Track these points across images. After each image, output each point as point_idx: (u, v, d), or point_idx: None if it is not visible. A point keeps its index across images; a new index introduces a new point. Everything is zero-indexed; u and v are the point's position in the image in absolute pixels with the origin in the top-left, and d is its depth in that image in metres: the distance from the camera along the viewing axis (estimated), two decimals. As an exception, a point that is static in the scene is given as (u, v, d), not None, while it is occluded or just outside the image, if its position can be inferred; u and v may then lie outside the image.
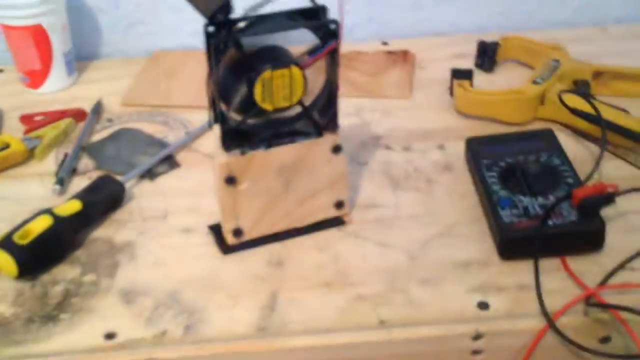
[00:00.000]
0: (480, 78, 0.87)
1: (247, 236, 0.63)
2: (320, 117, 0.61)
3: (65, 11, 0.86)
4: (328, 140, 0.61)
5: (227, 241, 0.62)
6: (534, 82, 0.78)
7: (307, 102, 0.60)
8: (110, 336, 0.55)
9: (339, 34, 0.57)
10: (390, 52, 0.94)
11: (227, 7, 0.54)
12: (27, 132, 0.78)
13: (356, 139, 0.77)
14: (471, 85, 0.81)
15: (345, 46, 0.95)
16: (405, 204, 0.68)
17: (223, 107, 0.57)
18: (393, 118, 0.81)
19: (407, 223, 0.66)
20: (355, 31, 0.99)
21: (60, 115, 0.80)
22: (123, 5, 0.93)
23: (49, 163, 0.75)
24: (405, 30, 1.00)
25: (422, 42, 0.97)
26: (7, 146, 0.72)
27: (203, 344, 0.55)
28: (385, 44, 0.97)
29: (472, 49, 0.91)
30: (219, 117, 0.57)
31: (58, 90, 0.87)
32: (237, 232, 0.62)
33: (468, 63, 0.90)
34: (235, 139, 0.59)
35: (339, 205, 0.65)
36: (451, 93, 0.83)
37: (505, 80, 0.87)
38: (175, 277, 0.60)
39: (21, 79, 0.87)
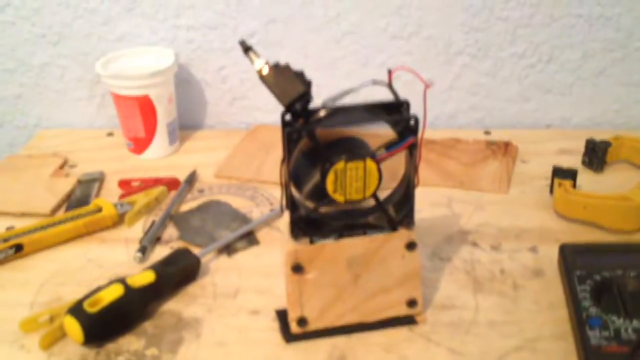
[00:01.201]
0: (586, 178, 0.82)
1: (312, 326, 0.60)
2: (395, 212, 0.59)
3: (172, 84, 0.90)
4: (402, 235, 0.59)
5: (291, 329, 0.61)
6: (643, 188, 0.72)
7: (383, 193, 0.58)
8: (161, 416, 0.54)
9: (419, 130, 0.55)
10: (490, 143, 0.90)
11: (306, 96, 0.53)
12: (122, 197, 0.81)
13: (442, 232, 0.74)
14: (574, 185, 0.76)
15: (445, 133, 0.94)
16: (486, 309, 0.64)
17: (295, 193, 0.56)
18: (485, 213, 0.77)
19: (485, 331, 0.61)
20: (457, 118, 0.97)
21: (155, 182, 0.83)
22: (229, 80, 0.96)
23: (138, 229, 0.77)
24: (511, 121, 0.96)
25: (528, 134, 0.93)
26: (99, 210, 0.76)
27: None
28: (487, 133, 0.94)
29: (581, 146, 0.85)
30: (290, 204, 0.56)
31: (159, 157, 0.91)
32: (302, 321, 0.60)
33: (575, 160, 0.85)
34: (305, 227, 0.57)
35: (411, 303, 0.61)
36: (551, 191, 0.78)
37: (613, 182, 0.81)
38: (234, 359, 0.59)
39: (126, 144, 0.91)
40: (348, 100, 0.55)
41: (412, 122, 0.55)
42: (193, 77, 0.96)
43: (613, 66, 0.91)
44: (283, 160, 0.55)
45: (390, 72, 0.55)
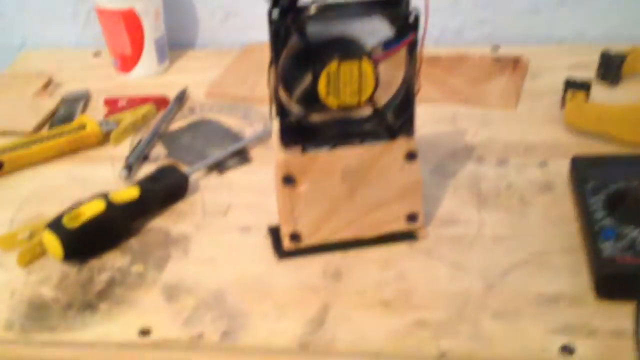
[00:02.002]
0: (600, 92, 0.77)
1: (306, 242, 0.57)
2: (394, 118, 0.54)
3: (160, -3, 0.84)
4: (402, 145, 0.55)
5: (283, 246, 0.57)
6: (662, 98, 0.67)
7: (382, 100, 0.53)
8: (145, 332, 0.51)
9: (420, 26, 0.50)
10: (499, 59, 0.85)
11: (294, -11, 0.48)
12: (107, 115, 0.77)
13: (445, 147, 0.70)
14: (587, 98, 0.71)
15: (450, 49, 0.89)
16: (491, 224, 0.60)
17: (285, 99, 0.52)
18: (491, 129, 0.73)
19: (489, 245, 0.58)
20: (464, 33, 0.91)
21: (143, 101, 0.78)
22: (221, -6, 0.91)
23: (124, 148, 0.73)
24: (521, 36, 0.91)
25: (539, 50, 0.88)
26: (83, 127, 0.72)
27: (239, 353, 0.50)
28: (496, 49, 0.88)
29: (596, 61, 0.80)
30: (279, 110, 0.52)
31: (147, 76, 0.86)
32: (295, 237, 0.57)
33: (588, 75, 0.80)
34: (296, 135, 0.53)
35: (412, 217, 0.58)
36: (563, 106, 0.74)
37: (629, 96, 0.76)
38: (224, 276, 0.56)
39: (113, 62, 0.86)
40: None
41: (411, 18, 0.50)
42: (182, -9, 0.91)
43: (631, -26, 0.85)
44: (271, 63, 0.50)
45: (387, -38, 0.50)
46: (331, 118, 0.54)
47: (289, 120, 0.52)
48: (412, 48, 0.51)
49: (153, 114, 0.77)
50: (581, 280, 0.53)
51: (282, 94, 0.52)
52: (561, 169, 0.65)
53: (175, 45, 0.92)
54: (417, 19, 0.50)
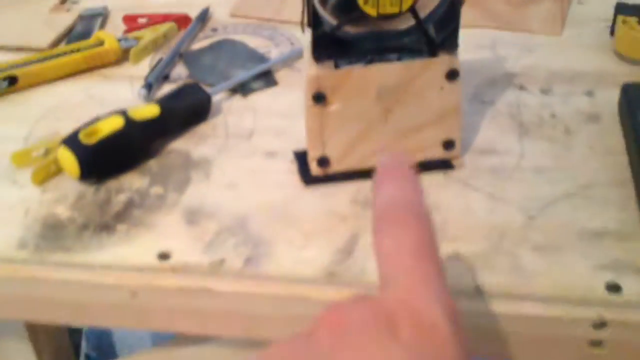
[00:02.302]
0: (654, 18, 0.71)
1: (335, 167, 0.54)
2: (436, 32, 0.50)
3: None
4: (443, 62, 0.50)
5: (310, 171, 0.54)
6: None
7: (423, 12, 0.49)
8: (164, 256, 0.49)
9: None
10: (543, -19, 0.79)
11: None
12: (126, 32, 0.73)
13: (484, 74, 0.65)
14: None
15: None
16: (532, 155, 0.56)
17: (318, 7, 0.48)
18: (534, 55, 0.68)
19: (531, 177, 0.54)
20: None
21: (164, 18, 0.74)
22: None
23: (144, 67, 0.69)
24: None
25: (586, -27, 0.82)
26: (101, 43, 0.68)
27: (262, 280, 0.47)
28: (539, -28, 0.83)
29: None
30: (312, 19, 0.48)
31: (169, -6, 0.82)
32: (323, 161, 0.53)
33: (641, 1, 0.74)
34: (330, 48, 0.49)
35: (448, 144, 0.54)
36: (612, 32, 0.68)
37: (686, 23, 0.71)
38: (247, 202, 0.53)
39: (133, -21, 0.82)
40: None
41: None
42: None
43: None
44: (303, -37, 0.46)
45: None
46: (367, 30, 0.49)
47: (322, 31, 0.48)
48: (460, -46, 0.47)
49: (174, 32, 0.73)
50: (629, 214, 0.50)
51: (316, 1, 0.47)
52: (610, 98, 0.60)
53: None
54: None
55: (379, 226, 0.31)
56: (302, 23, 0.49)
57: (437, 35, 0.50)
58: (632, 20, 0.65)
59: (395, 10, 0.47)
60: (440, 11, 0.49)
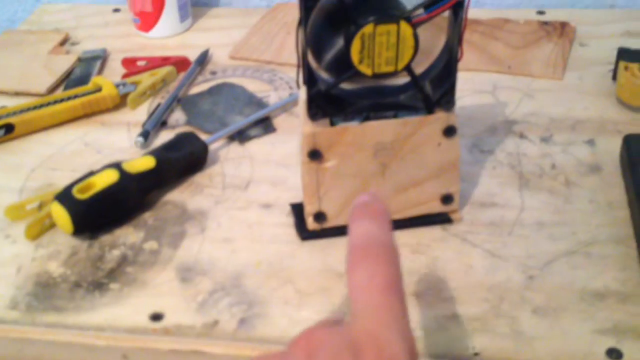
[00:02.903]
0: (655, 62, 0.71)
1: (331, 222, 0.53)
2: (432, 89, 0.49)
3: (182, -50, 0.79)
4: (440, 119, 0.50)
5: (307, 225, 0.53)
6: None
7: (419, 69, 0.48)
8: (156, 317, 0.48)
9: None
10: (544, 23, 0.79)
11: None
12: (125, 76, 0.72)
13: (484, 121, 0.65)
14: (642, 70, 0.65)
15: (491, 12, 0.82)
16: (533, 208, 0.55)
17: (314, 65, 0.47)
18: (535, 101, 0.67)
19: (531, 232, 0.53)
20: (506, -4, 0.85)
21: (163, 62, 0.74)
22: (248, -52, 0.85)
23: (142, 112, 0.69)
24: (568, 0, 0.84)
25: (588, 14, 0.81)
26: (99, 89, 0.67)
27: (256, 343, 0.46)
28: (541, 13, 0.82)
29: (652, 27, 0.74)
30: (307, 77, 0.47)
31: (168, 35, 0.81)
32: (319, 217, 0.52)
33: (642, 43, 0.74)
34: (325, 106, 0.48)
35: (447, 199, 0.53)
36: (614, 77, 0.68)
37: (688, 67, 0.70)
38: (242, 258, 0.52)
39: (133, 20, 0.82)
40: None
41: (458, -24, 0.44)
42: (207, -56, 0.85)
43: None
44: (299, 24, 0.45)
45: None
46: (363, 87, 0.49)
47: (318, 89, 0.47)
48: (458, 10, 0.46)
49: (173, 76, 0.73)
50: (631, 274, 0.49)
51: (311, 60, 0.47)
52: (611, 148, 0.60)
53: (198, 2, 0.87)
54: (463, -21, 0.45)
55: (352, 259, 0.34)
56: (297, 81, 0.48)
57: (433, 93, 0.49)
58: (635, 66, 0.64)
59: (391, 69, 0.46)
60: (436, 69, 0.49)
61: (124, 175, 0.54)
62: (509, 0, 0.85)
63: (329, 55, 0.47)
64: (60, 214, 0.52)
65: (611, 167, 0.58)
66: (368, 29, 0.44)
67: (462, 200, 0.55)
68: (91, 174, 0.54)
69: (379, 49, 0.45)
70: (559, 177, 0.58)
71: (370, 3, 0.45)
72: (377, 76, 0.47)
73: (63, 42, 0.80)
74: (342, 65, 0.46)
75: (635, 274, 0.49)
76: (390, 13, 0.44)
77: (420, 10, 0.45)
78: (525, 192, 0.57)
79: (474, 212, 0.55)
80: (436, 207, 0.53)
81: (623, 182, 0.56)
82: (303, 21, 0.45)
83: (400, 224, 0.53)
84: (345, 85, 0.48)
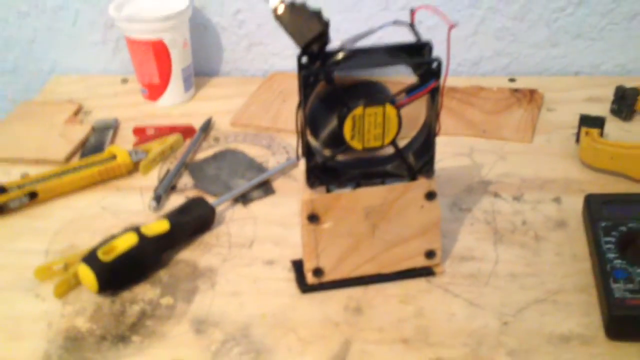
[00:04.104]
0: (614, 127, 0.79)
1: (328, 277, 0.59)
2: (415, 160, 0.57)
3: (187, 28, 0.87)
4: (422, 185, 0.57)
5: (306, 280, 0.60)
6: (675, 138, 0.69)
7: (403, 142, 0.56)
8: (175, 366, 0.54)
9: (442, 74, 0.52)
10: (515, 90, 0.87)
11: (323, 38, 0.51)
12: (136, 144, 0.79)
13: (462, 182, 0.72)
14: (601, 134, 0.73)
15: (467, 80, 0.91)
16: (506, 261, 0.62)
17: (311, 140, 0.54)
18: (508, 163, 0.75)
19: (505, 283, 0.60)
20: (481, 64, 0.93)
21: (170, 130, 0.81)
22: (245, 25, 0.93)
23: (152, 177, 0.76)
24: (537, 68, 0.93)
25: (555, 82, 0.90)
26: (114, 157, 0.74)
27: (264, 388, 0.52)
28: (512, 80, 0.91)
29: (610, 94, 0.82)
30: (306, 151, 0.54)
31: (175, 104, 0.89)
32: (318, 272, 0.59)
33: (603, 108, 0.82)
34: (322, 175, 0.56)
35: (430, 254, 0.60)
36: (577, 140, 0.76)
37: (642, 131, 0.78)
38: (249, 310, 0.58)
39: (141, 90, 0.89)
40: (368, 43, 0.52)
41: (434, 65, 0.52)
42: (209, 22, 0.93)
43: (647, 9, 0.87)
44: (299, 105, 0.53)
45: (412, 12, 0.52)
46: (354, 158, 0.56)
47: (315, 161, 0.55)
48: (434, 94, 0.54)
49: (180, 143, 0.80)
50: (593, 319, 0.55)
51: (309, 136, 0.54)
52: (575, 205, 0.67)
53: (200, 72, 0.95)
54: (439, 66, 0.52)
55: None
56: (297, 154, 0.55)
57: (416, 162, 0.56)
58: (594, 132, 0.72)
59: (379, 143, 0.54)
60: (418, 142, 0.56)
61: (143, 238, 0.61)
62: (483, 68, 0.93)
63: (325, 132, 0.54)
64: (87, 275, 0.58)
65: (575, 223, 0.66)
66: (358, 110, 0.52)
67: (443, 254, 0.62)
68: (113, 237, 0.61)
69: (368, 127, 0.53)
70: (529, 233, 0.65)
71: (360, 88, 0.53)
72: (366, 150, 0.54)
73: (77, 112, 0.88)
74: (336, 141, 0.54)
75: (596, 319, 0.55)
76: (377, 97, 0.52)
77: (403, 95, 0.53)
78: (499, 246, 0.64)
79: (454, 265, 0.62)
80: (421, 261, 0.60)
81: (585, 236, 0.63)
82: (302, 104, 0.52)
83: (389, 277, 0.60)
84: (339, 157, 0.55)
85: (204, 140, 0.82)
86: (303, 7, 0.51)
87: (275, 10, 0.51)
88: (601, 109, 0.82)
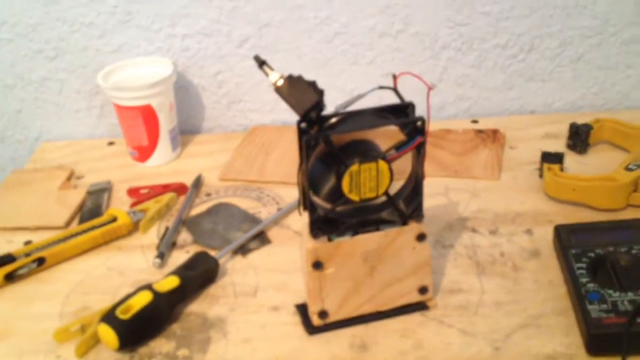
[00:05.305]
0: (572, 160, 0.87)
1: (332, 318, 0.65)
2: (405, 206, 0.63)
3: (172, 92, 0.93)
4: (413, 228, 0.63)
5: (312, 322, 0.65)
6: (627, 169, 0.77)
7: (393, 189, 0.62)
8: (199, 415, 0.58)
9: (426, 130, 0.59)
10: (479, 131, 0.95)
11: (319, 105, 0.57)
12: (133, 205, 0.84)
13: (442, 220, 0.79)
14: (561, 169, 0.81)
15: (435, 124, 0.98)
16: (491, 291, 0.68)
17: (313, 196, 0.60)
18: (480, 199, 0.82)
19: (492, 311, 0.66)
20: (445, 109, 1.01)
21: (164, 189, 0.86)
22: (225, 84, 0.99)
23: (152, 235, 0.80)
24: (497, 109, 1.01)
25: (513, 121, 0.98)
26: (115, 219, 0.78)
27: None
28: (475, 122, 0.98)
29: (564, 129, 0.90)
30: (309, 206, 0.60)
31: (163, 163, 0.94)
32: (323, 314, 0.64)
33: (560, 143, 0.90)
34: (323, 226, 0.61)
35: (423, 290, 0.66)
36: (541, 175, 0.83)
37: (597, 163, 0.86)
38: (262, 355, 0.63)
39: (130, 152, 0.94)
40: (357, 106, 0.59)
41: (419, 124, 0.59)
42: (190, 84, 0.99)
43: (590, 52, 0.96)
44: (300, 166, 0.59)
45: (395, 77, 0.59)
46: (352, 208, 0.62)
47: (317, 214, 0.60)
48: (420, 148, 0.60)
49: (174, 200, 0.84)
50: (573, 339, 0.62)
51: (311, 194, 0.60)
52: (546, 235, 0.74)
53: (184, 131, 1.00)
54: (423, 124, 0.59)
55: None
56: (298, 208, 0.61)
57: (406, 208, 0.63)
58: (556, 167, 0.80)
59: (374, 194, 0.60)
60: (407, 190, 0.62)
61: (156, 294, 0.65)
62: (447, 112, 1.01)
63: (325, 188, 0.60)
64: (108, 333, 0.62)
65: (547, 251, 0.72)
66: (354, 167, 0.58)
67: (434, 290, 0.67)
68: (128, 296, 0.65)
69: (364, 181, 0.59)
70: (508, 263, 0.72)
71: (353, 147, 0.59)
72: (362, 201, 0.60)
73: (69, 177, 0.91)
74: (335, 195, 0.60)
75: (576, 338, 0.62)
76: (370, 154, 0.58)
77: (393, 150, 0.59)
78: (482, 277, 0.70)
79: (445, 298, 0.68)
80: (415, 297, 0.66)
81: (558, 263, 0.70)
82: (305, 165, 0.58)
83: (388, 314, 0.65)
84: (339, 208, 0.61)
85: (196, 196, 0.86)
86: (300, 79, 0.57)
87: (275, 84, 0.57)
88: (558, 144, 0.90)
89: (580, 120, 0.89)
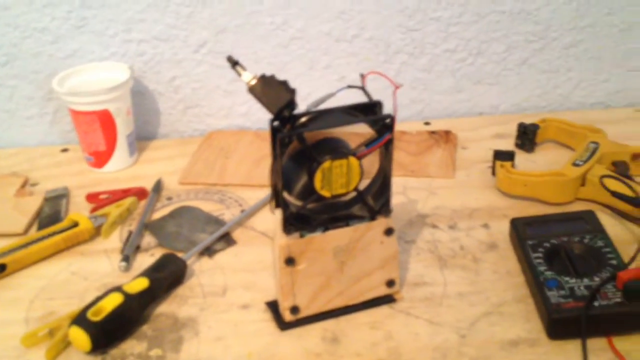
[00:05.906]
0: (521, 158, 0.91)
1: (304, 313, 0.66)
2: (374, 202, 0.65)
3: (130, 97, 0.92)
4: (381, 223, 0.65)
5: (284, 318, 0.66)
6: (574, 164, 0.81)
7: (362, 186, 0.64)
8: (175, 413, 0.58)
9: (394, 127, 0.61)
10: (432, 132, 0.98)
11: (291, 104, 0.58)
12: (93, 210, 0.83)
13: (403, 217, 0.81)
14: (513, 166, 0.85)
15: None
16: (453, 283, 0.71)
17: (286, 194, 0.61)
18: (438, 197, 0.85)
19: (455, 302, 0.68)
20: (399, 111, 1.04)
21: (124, 193, 0.85)
22: (181, 90, 0.99)
23: (114, 240, 0.79)
24: (447, 111, 1.05)
25: (463, 122, 1.02)
26: (76, 224, 0.77)
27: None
28: (427, 124, 1.02)
29: (512, 129, 0.95)
30: (281, 203, 0.61)
31: (120, 169, 0.93)
32: (294, 310, 0.65)
33: (509, 143, 0.95)
34: (295, 223, 0.63)
35: (390, 283, 0.68)
36: (493, 173, 0.87)
37: (545, 160, 0.91)
38: (235, 352, 0.63)
39: (86, 158, 0.93)
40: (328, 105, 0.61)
41: (388, 121, 0.61)
42: (146, 89, 0.99)
43: (534, 56, 1.01)
44: (273, 163, 0.60)
45: (363, 77, 0.61)
46: (323, 204, 0.63)
47: (290, 211, 0.62)
48: (389, 145, 0.62)
49: (135, 205, 0.84)
50: (534, 324, 0.65)
51: (284, 192, 0.61)
52: (502, 228, 0.77)
53: (139, 136, 1.00)
54: (392, 122, 0.61)
55: None
56: (270, 206, 0.62)
57: (375, 204, 0.65)
58: (508, 164, 0.84)
59: (344, 190, 0.62)
60: (375, 186, 0.64)
61: (127, 296, 0.65)
62: (401, 115, 1.04)
63: (297, 185, 0.61)
64: (79, 336, 0.61)
65: (504, 244, 0.76)
66: (327, 164, 0.59)
67: (401, 283, 0.70)
68: (98, 299, 0.64)
69: (335, 177, 0.60)
70: (468, 256, 0.75)
71: (325, 145, 0.61)
72: (333, 197, 0.62)
73: (24, 184, 0.89)
74: (307, 192, 0.61)
75: (537, 324, 0.65)
76: (341, 151, 0.60)
77: (363, 147, 0.61)
78: (445, 270, 0.73)
79: (410, 291, 0.70)
80: (383, 290, 0.68)
81: (515, 254, 0.74)
82: (278, 162, 0.59)
83: (357, 307, 0.67)
84: (310, 205, 0.63)
85: (158, 200, 0.86)
86: (272, 79, 0.58)
87: (248, 84, 0.58)
88: (507, 144, 0.94)
89: (526, 121, 0.94)
